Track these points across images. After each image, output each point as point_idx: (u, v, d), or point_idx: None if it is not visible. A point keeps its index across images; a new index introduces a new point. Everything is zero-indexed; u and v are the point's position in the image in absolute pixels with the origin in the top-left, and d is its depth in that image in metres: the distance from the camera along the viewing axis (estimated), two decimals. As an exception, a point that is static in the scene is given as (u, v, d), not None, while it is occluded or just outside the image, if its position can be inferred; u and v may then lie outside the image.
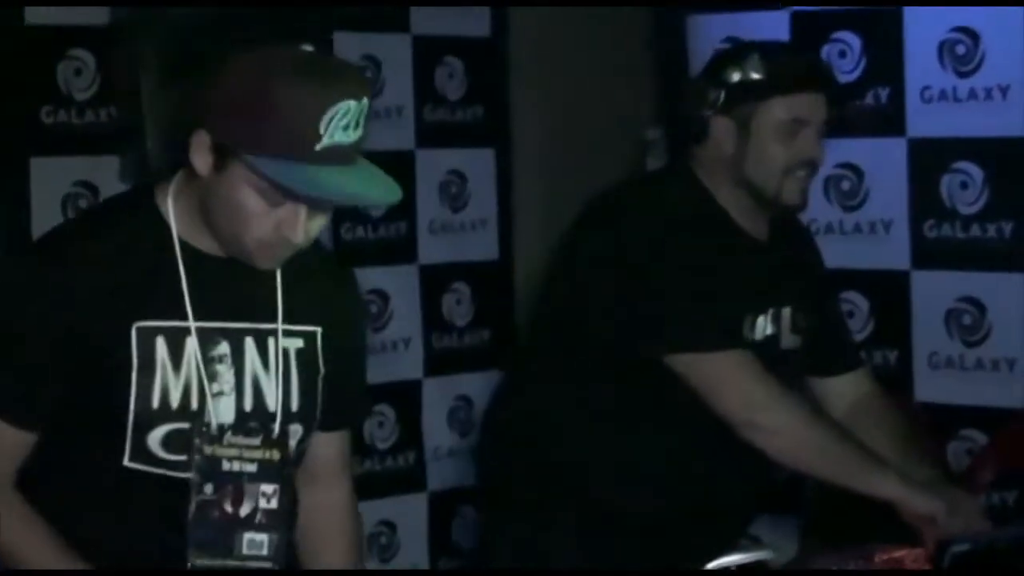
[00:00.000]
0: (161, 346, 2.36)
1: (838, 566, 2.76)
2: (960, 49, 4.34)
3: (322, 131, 2.19)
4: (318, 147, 2.18)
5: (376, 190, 2.31)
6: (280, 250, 2.31)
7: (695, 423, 3.09)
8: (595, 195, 3.39)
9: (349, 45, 4.57)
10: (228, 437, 2.41)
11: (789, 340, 3.25)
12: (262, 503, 2.42)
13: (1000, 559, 2.74)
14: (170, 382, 2.37)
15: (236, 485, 2.41)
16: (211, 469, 2.40)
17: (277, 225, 2.28)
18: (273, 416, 2.43)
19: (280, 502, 2.42)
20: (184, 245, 2.35)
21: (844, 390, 3.38)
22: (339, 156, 2.21)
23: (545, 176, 5.03)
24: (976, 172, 4.34)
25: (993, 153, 4.33)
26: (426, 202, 4.76)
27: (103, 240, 2.36)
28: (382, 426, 4.48)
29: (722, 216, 3.15)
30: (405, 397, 4.70)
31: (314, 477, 2.57)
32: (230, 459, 2.41)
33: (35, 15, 4.00)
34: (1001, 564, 2.72)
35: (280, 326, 2.43)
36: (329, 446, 2.61)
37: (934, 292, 4.35)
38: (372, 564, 4.39)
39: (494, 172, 4.93)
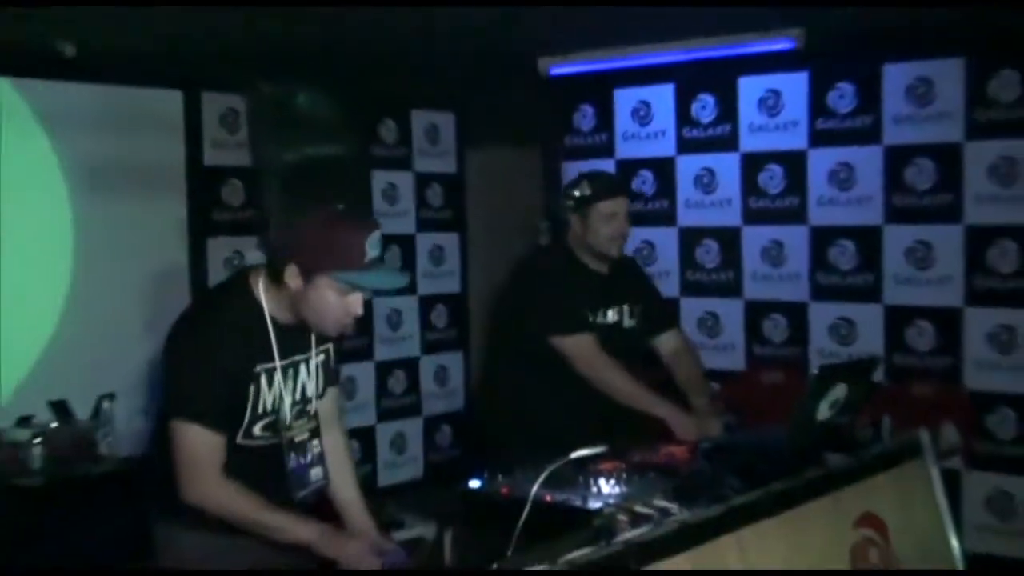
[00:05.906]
0: (264, 378, 2.67)
1: (640, 457, 3.11)
2: (842, 174, 5.31)
3: (368, 251, 2.52)
4: (367, 260, 2.51)
5: (397, 280, 2.65)
6: (349, 323, 2.65)
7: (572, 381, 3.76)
8: (517, 261, 4.01)
9: (377, 181, 5.84)
10: (293, 423, 2.76)
11: (629, 322, 3.91)
12: (314, 449, 2.83)
13: (725, 450, 3.18)
14: (267, 397, 2.69)
15: (302, 446, 2.78)
16: (290, 444, 2.77)
17: (347, 308, 2.60)
18: (310, 400, 2.78)
19: (320, 447, 2.84)
20: (271, 319, 2.65)
21: (666, 344, 4.02)
22: (376, 263, 2.53)
23: (486, 249, 6.27)
24: (850, 247, 5.32)
25: (861, 235, 5.26)
26: (420, 266, 6.10)
27: (229, 320, 2.61)
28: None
29: (580, 264, 3.85)
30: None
31: (323, 427, 2.87)
32: (298, 435, 2.80)
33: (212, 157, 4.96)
34: (726, 451, 3.14)
35: (313, 353, 2.79)
36: (327, 404, 2.91)
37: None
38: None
39: (458, 247, 6.31)
